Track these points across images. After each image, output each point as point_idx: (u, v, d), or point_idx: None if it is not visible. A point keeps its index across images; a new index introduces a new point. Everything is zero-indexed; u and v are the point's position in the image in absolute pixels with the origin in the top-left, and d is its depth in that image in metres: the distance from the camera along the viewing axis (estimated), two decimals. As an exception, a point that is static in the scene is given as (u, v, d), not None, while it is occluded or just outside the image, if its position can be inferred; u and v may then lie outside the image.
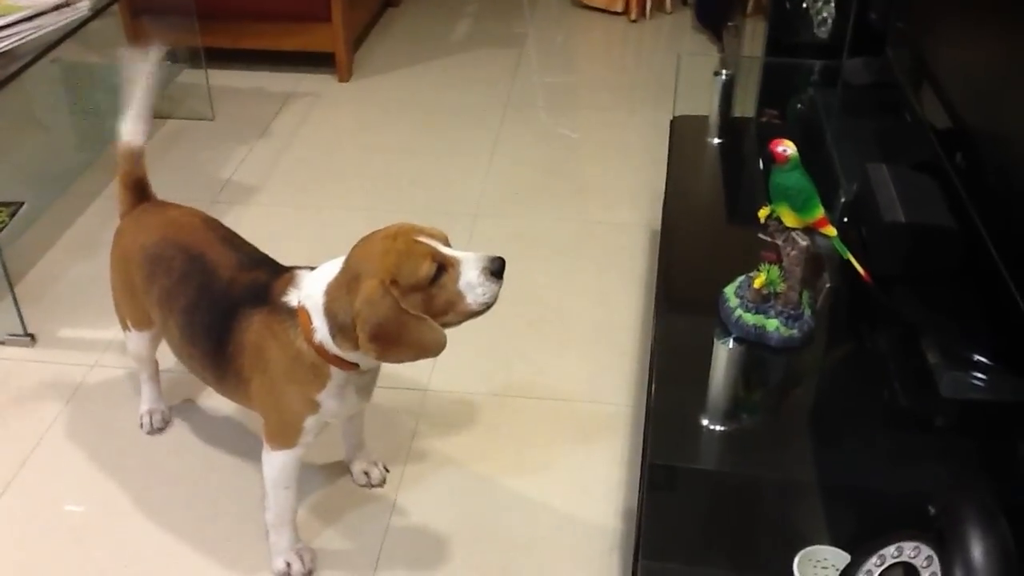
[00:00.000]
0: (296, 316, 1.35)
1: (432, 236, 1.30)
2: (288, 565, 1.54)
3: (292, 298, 1.37)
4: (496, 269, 1.29)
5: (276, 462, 1.47)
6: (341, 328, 1.30)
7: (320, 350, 1.34)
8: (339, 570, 1.57)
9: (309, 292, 1.34)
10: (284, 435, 1.45)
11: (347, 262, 1.32)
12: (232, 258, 1.49)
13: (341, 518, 1.66)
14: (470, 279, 1.28)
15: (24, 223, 2.27)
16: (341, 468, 1.74)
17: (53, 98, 2.95)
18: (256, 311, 1.39)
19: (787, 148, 1.45)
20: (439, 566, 1.57)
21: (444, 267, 1.27)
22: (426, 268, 1.26)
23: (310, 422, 1.42)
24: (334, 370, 1.36)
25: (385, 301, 1.24)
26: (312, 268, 1.39)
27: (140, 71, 1.57)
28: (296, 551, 1.55)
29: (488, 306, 1.30)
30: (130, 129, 1.61)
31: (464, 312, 1.30)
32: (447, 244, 1.31)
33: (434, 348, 1.28)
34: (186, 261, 1.50)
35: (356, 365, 1.36)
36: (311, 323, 1.33)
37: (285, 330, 1.36)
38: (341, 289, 1.30)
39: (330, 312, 1.31)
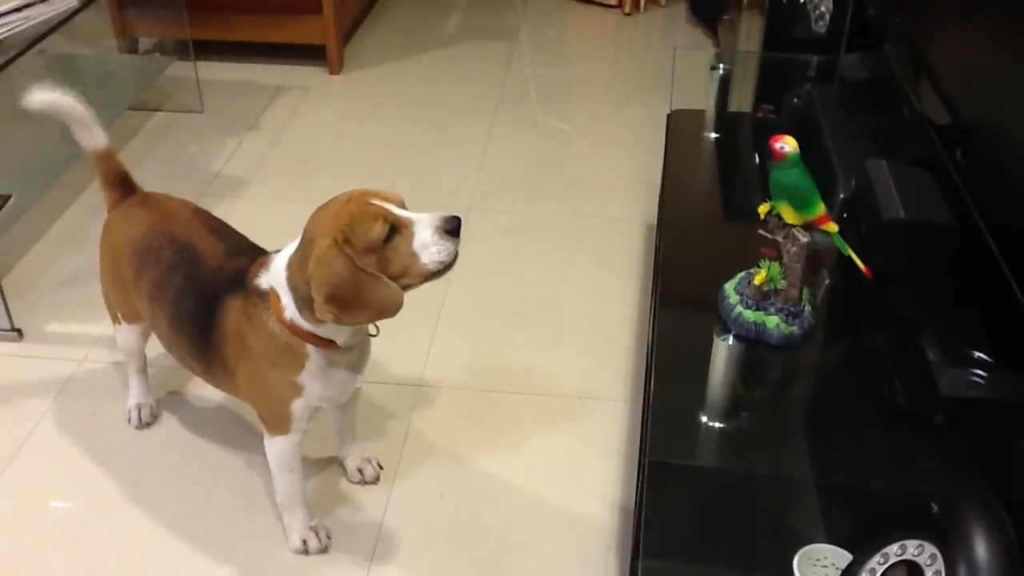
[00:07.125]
0: (268, 298, 1.35)
1: (387, 200, 1.27)
2: (304, 542, 1.56)
3: (263, 280, 1.36)
4: (451, 228, 1.26)
5: (276, 448, 1.47)
6: (304, 299, 1.28)
7: (292, 328, 1.33)
8: (334, 567, 1.55)
9: (275, 271, 1.34)
10: (276, 422, 1.44)
11: (303, 233, 1.30)
12: (219, 247, 1.48)
13: (335, 516, 1.64)
14: (424, 239, 1.26)
15: (11, 217, 2.24)
16: (334, 465, 1.73)
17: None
18: (234, 298, 1.39)
19: (785, 145, 1.43)
20: (434, 563, 1.56)
21: (397, 228, 1.25)
22: (378, 229, 1.23)
23: (297, 406, 1.41)
24: (311, 349, 1.35)
25: (339, 260, 1.22)
26: None
27: (55, 101, 1.55)
28: (311, 528, 1.56)
29: (447, 265, 1.28)
30: (85, 137, 1.59)
31: (421, 273, 1.28)
32: (403, 207, 1.28)
33: (391, 308, 1.26)
34: (175, 251, 1.49)
35: (332, 342, 1.35)
36: (280, 302, 1.32)
37: (259, 313, 1.35)
38: (299, 260, 1.29)
39: (292, 285, 1.30)
